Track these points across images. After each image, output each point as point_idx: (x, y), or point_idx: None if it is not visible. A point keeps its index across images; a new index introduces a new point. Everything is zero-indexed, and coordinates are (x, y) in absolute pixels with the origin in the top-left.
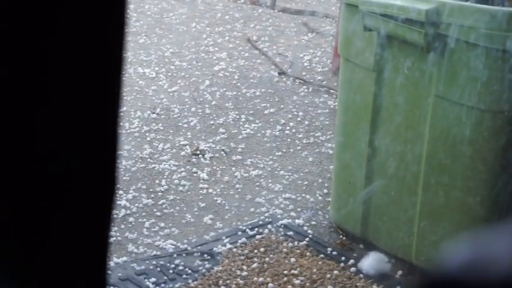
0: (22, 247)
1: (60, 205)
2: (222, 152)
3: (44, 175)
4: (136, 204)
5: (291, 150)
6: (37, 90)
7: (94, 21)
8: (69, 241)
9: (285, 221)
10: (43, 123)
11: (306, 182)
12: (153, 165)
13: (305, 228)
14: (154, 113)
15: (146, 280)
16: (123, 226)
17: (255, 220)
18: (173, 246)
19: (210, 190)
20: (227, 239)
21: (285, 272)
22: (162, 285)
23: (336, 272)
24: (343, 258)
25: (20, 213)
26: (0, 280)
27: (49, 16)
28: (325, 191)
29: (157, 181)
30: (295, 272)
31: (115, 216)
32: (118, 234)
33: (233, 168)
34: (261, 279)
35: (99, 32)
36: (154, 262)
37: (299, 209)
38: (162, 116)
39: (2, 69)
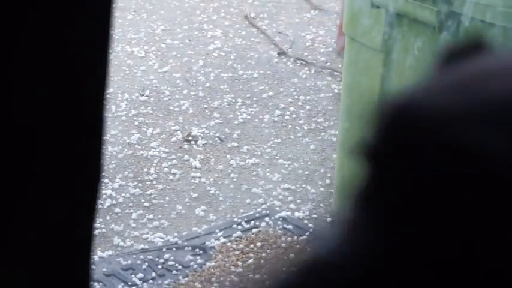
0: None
1: (42, 193)
2: (216, 139)
3: (24, 164)
4: (123, 194)
5: (291, 137)
6: (18, 66)
7: None
8: (51, 233)
9: (283, 214)
10: (22, 102)
11: (306, 172)
12: (141, 152)
13: (305, 221)
14: (143, 95)
15: (133, 276)
16: (108, 217)
17: (251, 212)
18: (162, 240)
19: (203, 179)
20: (221, 233)
21: (284, 269)
22: (150, 281)
23: None
24: None
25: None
26: None
27: None
28: (328, 181)
29: (145, 169)
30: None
31: (100, 206)
32: (103, 226)
33: (228, 156)
34: (257, 276)
35: (85, 7)
36: (141, 256)
37: (299, 201)
38: (152, 99)
39: None
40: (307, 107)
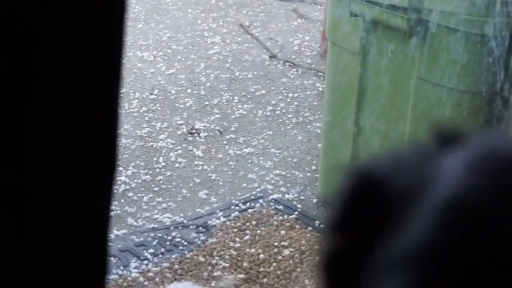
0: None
1: (65, 179)
2: (216, 131)
3: (49, 152)
4: (136, 180)
5: (281, 129)
6: (44, 71)
7: (98, 9)
8: (72, 214)
9: (275, 196)
10: (51, 105)
11: (295, 159)
12: (151, 144)
13: (294, 202)
14: (152, 94)
15: (145, 251)
16: (123, 201)
17: (247, 195)
18: (170, 220)
19: (205, 167)
20: (221, 213)
21: (275, 243)
22: (160, 256)
23: None
24: None
25: (25, 184)
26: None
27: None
28: (314, 167)
29: (155, 158)
30: (285, 243)
31: (115, 191)
32: (118, 208)
33: (227, 146)
34: (252, 250)
35: (103, 19)
36: (152, 234)
37: (289, 185)
38: (160, 97)
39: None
40: (295, 103)
